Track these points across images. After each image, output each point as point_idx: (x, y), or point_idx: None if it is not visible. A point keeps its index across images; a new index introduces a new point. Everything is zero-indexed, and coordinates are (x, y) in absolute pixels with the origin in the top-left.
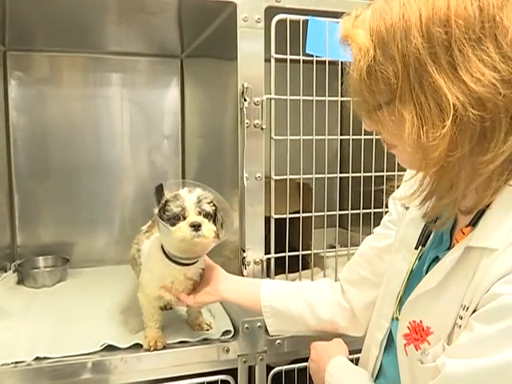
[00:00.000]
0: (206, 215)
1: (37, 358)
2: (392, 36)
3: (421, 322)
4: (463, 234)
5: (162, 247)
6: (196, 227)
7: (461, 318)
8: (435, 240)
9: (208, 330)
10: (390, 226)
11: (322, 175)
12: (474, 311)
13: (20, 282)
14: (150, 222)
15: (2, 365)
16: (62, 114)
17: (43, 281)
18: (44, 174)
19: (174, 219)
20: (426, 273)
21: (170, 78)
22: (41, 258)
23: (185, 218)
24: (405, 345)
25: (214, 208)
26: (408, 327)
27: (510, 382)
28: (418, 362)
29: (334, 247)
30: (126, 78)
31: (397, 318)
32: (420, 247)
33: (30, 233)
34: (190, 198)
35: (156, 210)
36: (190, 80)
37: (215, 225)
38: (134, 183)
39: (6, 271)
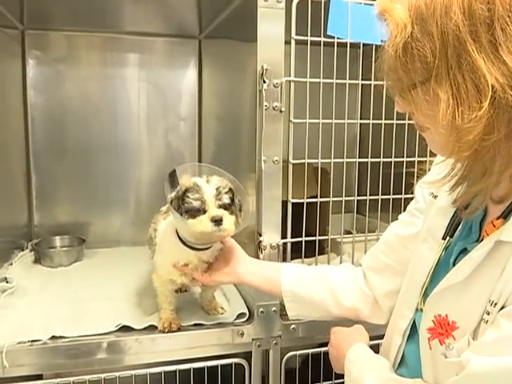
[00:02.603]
0: (225, 206)
1: (53, 337)
2: (431, 12)
3: (446, 316)
4: (494, 226)
5: (177, 231)
6: (218, 222)
7: (488, 314)
8: (463, 231)
9: (222, 313)
10: (416, 214)
11: (341, 160)
12: (502, 308)
13: (37, 261)
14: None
15: (19, 343)
16: (80, 93)
17: (60, 260)
18: (61, 154)
19: (193, 211)
20: (453, 265)
21: (187, 59)
22: (57, 237)
23: (205, 212)
24: (429, 339)
25: (231, 195)
26: (433, 321)
27: None
28: (442, 356)
29: (351, 233)
30: (143, 58)
31: (421, 309)
32: (448, 238)
33: (46, 212)
34: (210, 190)
35: (169, 198)
36: (207, 61)
37: (234, 213)
38: (150, 164)
39: (23, 250)
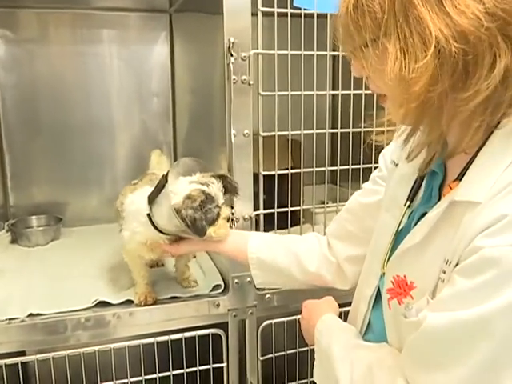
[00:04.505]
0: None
1: (30, 315)
2: None
3: (404, 276)
4: (450, 188)
5: (151, 220)
6: (229, 219)
7: (444, 273)
8: (424, 196)
9: (195, 286)
10: (379, 182)
11: (311, 131)
12: (456, 265)
13: (14, 241)
14: (141, 176)
15: None
16: (51, 71)
17: (37, 240)
18: (35, 134)
19: (212, 220)
20: None
21: (158, 34)
22: (34, 217)
23: (218, 215)
24: (388, 299)
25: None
26: (392, 282)
27: (488, 335)
28: (402, 316)
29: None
30: (114, 34)
31: (384, 274)
32: (408, 203)
33: (22, 192)
34: (220, 194)
35: (175, 207)
36: (179, 35)
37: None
38: (125, 141)
39: None
